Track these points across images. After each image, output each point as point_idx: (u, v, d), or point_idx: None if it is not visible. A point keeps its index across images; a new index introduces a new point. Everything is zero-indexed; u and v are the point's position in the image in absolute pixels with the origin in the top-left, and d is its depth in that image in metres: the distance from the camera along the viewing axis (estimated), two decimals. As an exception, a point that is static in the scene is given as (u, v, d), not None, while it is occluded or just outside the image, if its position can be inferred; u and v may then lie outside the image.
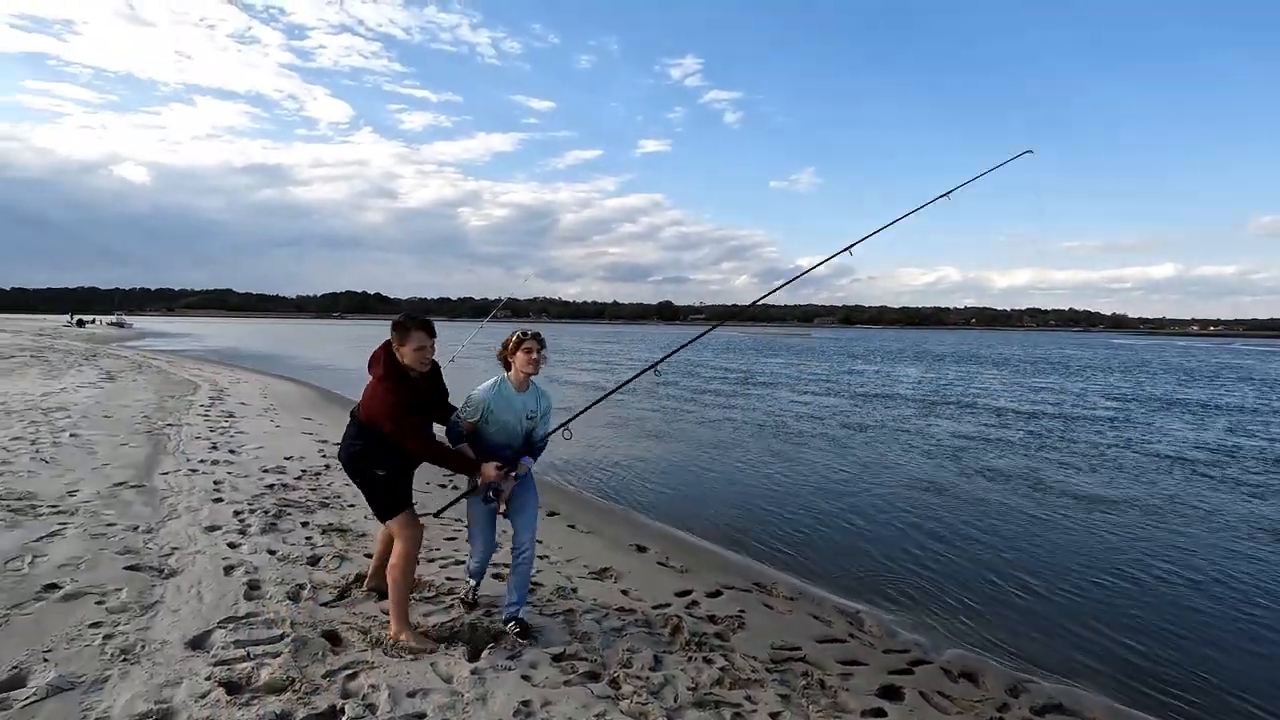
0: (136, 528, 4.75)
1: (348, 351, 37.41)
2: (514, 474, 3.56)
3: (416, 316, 3.37)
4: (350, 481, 3.53)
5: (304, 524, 5.21)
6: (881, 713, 3.33)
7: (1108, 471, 10.02)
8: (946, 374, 31.09)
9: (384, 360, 3.32)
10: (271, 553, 4.49)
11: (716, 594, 4.75)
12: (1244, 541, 6.82)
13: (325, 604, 3.77)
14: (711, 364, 33.69)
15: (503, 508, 3.63)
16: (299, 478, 6.70)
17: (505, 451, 3.60)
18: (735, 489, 8.40)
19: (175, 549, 4.41)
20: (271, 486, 6.25)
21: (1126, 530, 7.08)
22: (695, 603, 4.54)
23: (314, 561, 4.42)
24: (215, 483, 6.20)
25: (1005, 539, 6.67)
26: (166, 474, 6.43)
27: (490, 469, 3.42)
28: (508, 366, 3.62)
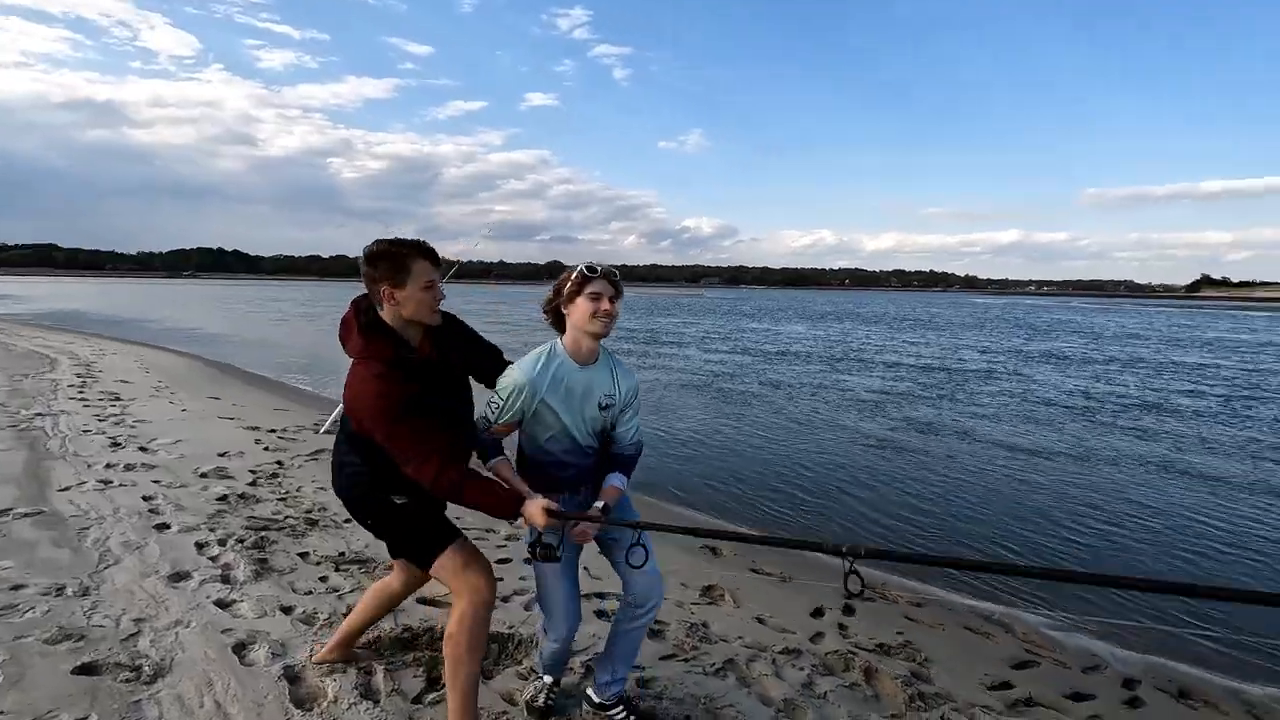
0: (62, 589, 3.20)
1: (216, 315, 33.36)
2: (600, 506, 2.19)
3: (404, 240, 2.11)
4: (354, 519, 2.31)
5: (302, 556, 3.84)
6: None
7: (1016, 420, 10.67)
8: (836, 331, 33.31)
9: (361, 326, 2.10)
10: (286, 610, 3.15)
11: (848, 608, 3.93)
12: (1151, 477, 7.51)
13: (420, 698, 2.55)
14: (617, 324, 33.41)
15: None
16: (254, 483, 5.16)
17: (568, 470, 2.28)
18: (698, 454, 7.96)
19: (140, 621, 2.96)
20: (225, 499, 4.71)
21: (1057, 473, 7.56)
22: (843, 625, 3.68)
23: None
24: (146, 499, 4.58)
25: (994, 494, 6.38)
26: (68, 490, 4.69)
27: (537, 510, 2.05)
28: (559, 326, 2.27)
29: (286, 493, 5.00)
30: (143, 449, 5.94)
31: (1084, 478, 7.46)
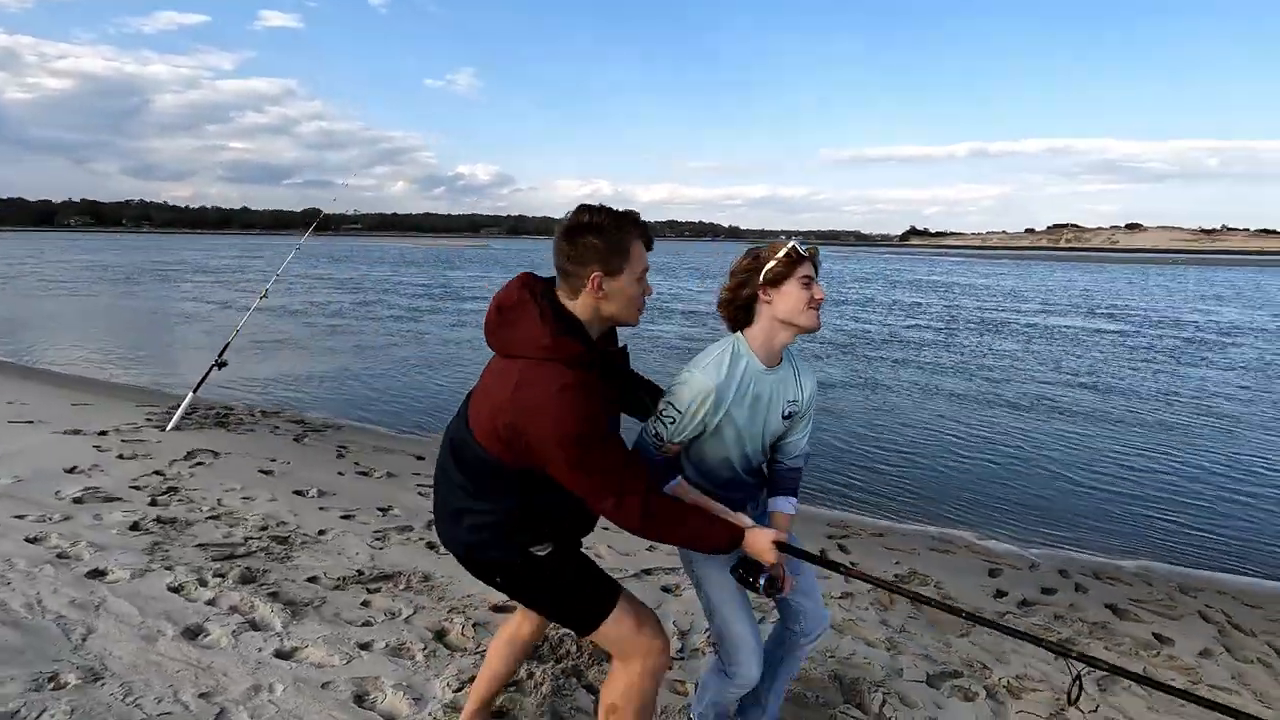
0: (54, 678, 2.40)
1: None
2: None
3: (625, 213, 1.68)
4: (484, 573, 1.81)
5: (313, 580, 3.31)
6: None
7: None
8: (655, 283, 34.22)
9: (547, 315, 1.62)
10: (365, 648, 2.73)
11: (1030, 601, 3.87)
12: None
13: None
14: (402, 279, 31.70)
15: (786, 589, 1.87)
16: (155, 503, 4.22)
17: (736, 494, 1.97)
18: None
19: (209, 697, 2.36)
20: (138, 527, 3.81)
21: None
22: (1027, 601, 3.84)
23: (428, 659, 2.84)
24: (33, 540, 3.50)
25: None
26: (-106, 545, 3.42)
27: (767, 544, 1.74)
28: (738, 320, 1.90)
29: (212, 510, 4.18)
30: (-55, 476, 4.49)
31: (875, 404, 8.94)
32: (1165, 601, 3.98)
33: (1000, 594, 3.90)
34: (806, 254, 1.85)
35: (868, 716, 2.58)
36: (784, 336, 1.88)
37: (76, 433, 5.69)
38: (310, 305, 19.80)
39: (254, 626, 2.86)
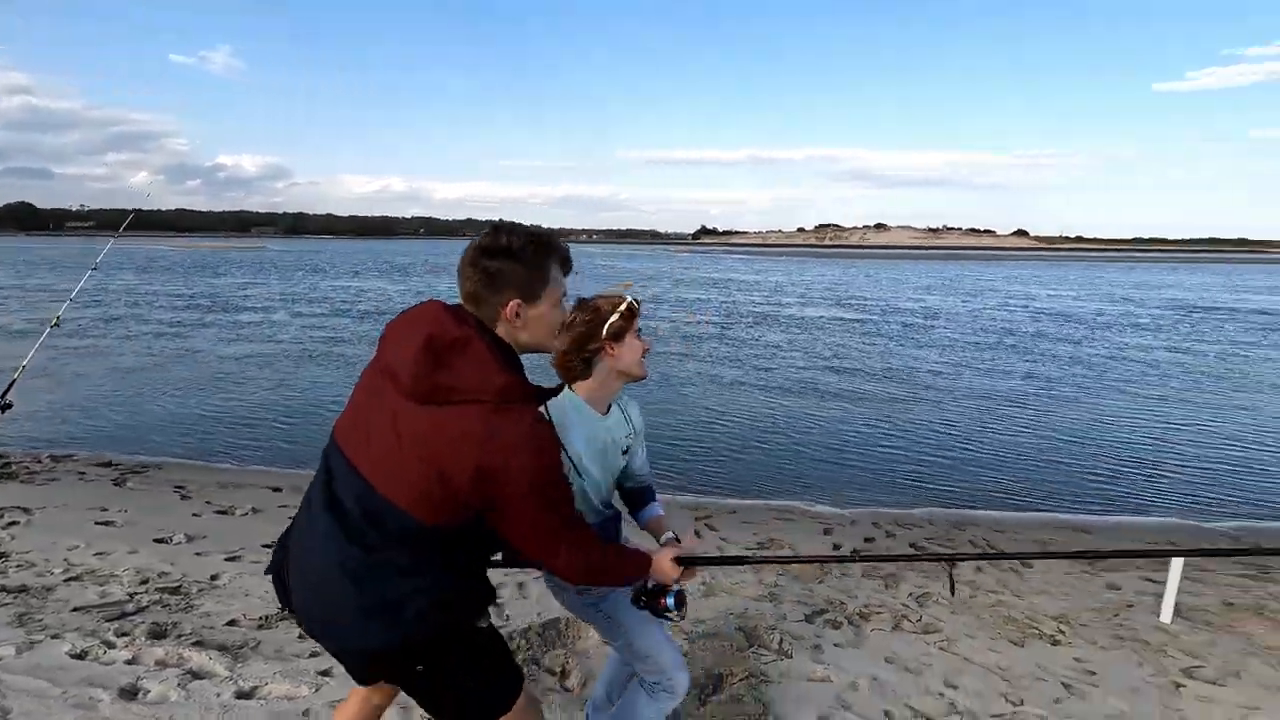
0: None
1: None
2: (671, 536, 2.00)
3: (542, 233, 1.55)
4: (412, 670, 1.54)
5: (233, 624, 3.25)
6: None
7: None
8: (422, 285, 33.86)
9: (496, 351, 1.44)
10: (326, 675, 2.83)
11: (858, 550, 5.14)
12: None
13: None
14: (155, 288, 28.43)
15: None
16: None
17: (607, 529, 2.02)
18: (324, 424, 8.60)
19: None
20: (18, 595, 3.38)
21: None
22: (856, 550, 4.80)
23: None
24: None
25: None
26: None
27: (667, 562, 1.78)
28: (577, 373, 1.92)
29: (66, 571, 3.79)
30: None
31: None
32: (945, 537, 5.22)
33: (837, 546, 4.87)
34: (638, 309, 1.92)
35: (771, 651, 3.25)
36: (617, 386, 1.96)
37: None
38: (37, 323, 16.76)
39: (196, 675, 2.81)
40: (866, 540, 5.06)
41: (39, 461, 6.22)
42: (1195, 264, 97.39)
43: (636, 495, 2.15)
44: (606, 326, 1.87)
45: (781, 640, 3.34)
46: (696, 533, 2.04)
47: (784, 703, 2.80)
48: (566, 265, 1.59)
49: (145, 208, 6.99)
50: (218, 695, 2.68)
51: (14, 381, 5.80)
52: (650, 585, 1.84)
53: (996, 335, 17.89)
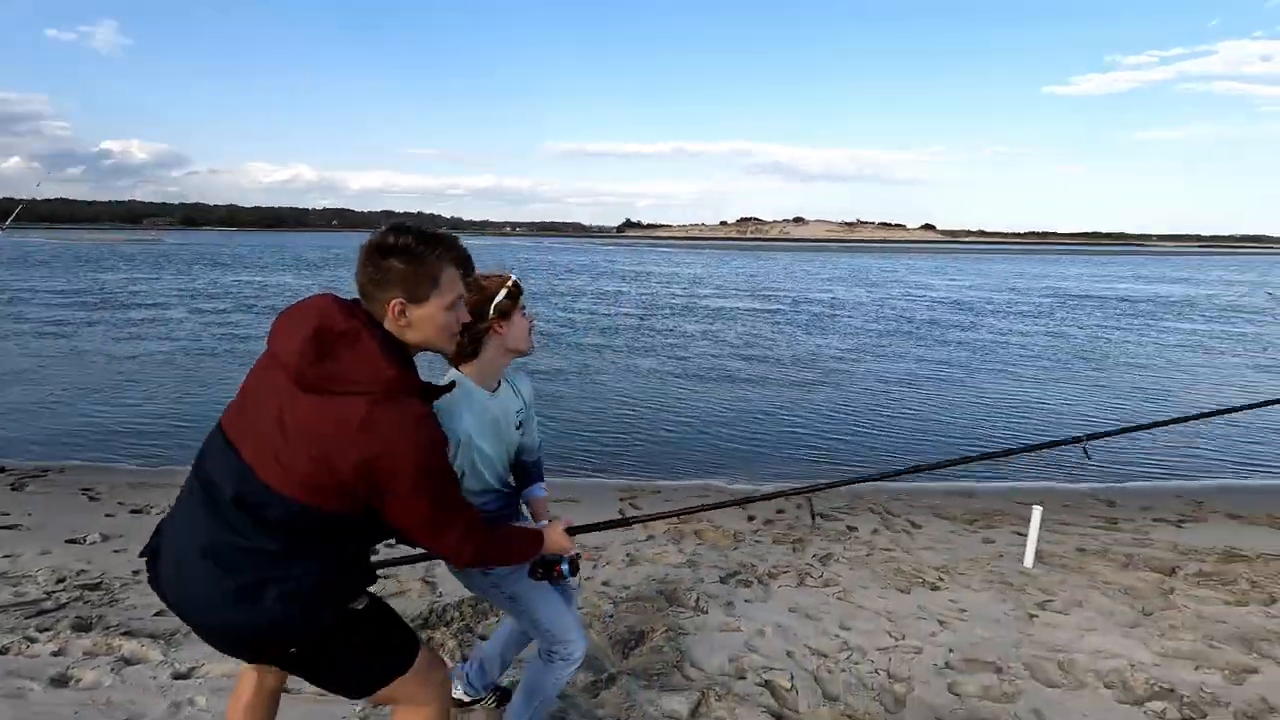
0: None
1: None
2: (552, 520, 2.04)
3: (435, 234, 1.56)
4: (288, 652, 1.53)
5: (163, 614, 3.28)
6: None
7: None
8: (332, 279, 32.86)
9: (385, 345, 1.48)
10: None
11: (771, 520, 5.43)
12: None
13: None
14: (31, 284, 26.33)
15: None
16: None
17: (506, 507, 2.11)
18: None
19: None
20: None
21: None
22: (769, 520, 5.11)
23: None
24: None
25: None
26: None
27: (560, 534, 1.93)
28: (466, 354, 1.92)
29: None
30: None
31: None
32: (848, 506, 5.70)
33: (751, 518, 5.25)
34: (522, 289, 1.99)
35: (689, 609, 3.56)
36: (505, 362, 2.00)
37: None
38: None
39: (129, 662, 2.86)
40: (778, 512, 5.47)
41: (-81, 470, 5.83)
42: (1076, 256, 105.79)
43: (523, 471, 2.20)
44: (494, 305, 1.90)
45: (698, 599, 3.66)
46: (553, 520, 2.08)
47: (698, 650, 3.11)
48: (465, 266, 1.59)
49: (17, 196, 6.57)
50: (154, 678, 2.74)
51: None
52: (547, 557, 1.95)
53: (895, 323, 19.15)
